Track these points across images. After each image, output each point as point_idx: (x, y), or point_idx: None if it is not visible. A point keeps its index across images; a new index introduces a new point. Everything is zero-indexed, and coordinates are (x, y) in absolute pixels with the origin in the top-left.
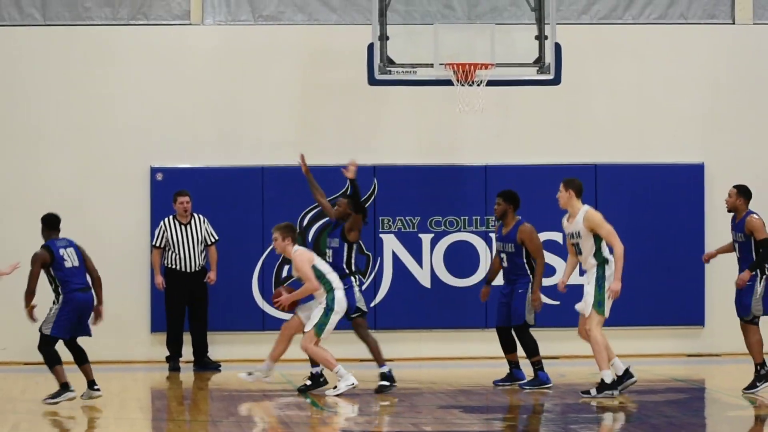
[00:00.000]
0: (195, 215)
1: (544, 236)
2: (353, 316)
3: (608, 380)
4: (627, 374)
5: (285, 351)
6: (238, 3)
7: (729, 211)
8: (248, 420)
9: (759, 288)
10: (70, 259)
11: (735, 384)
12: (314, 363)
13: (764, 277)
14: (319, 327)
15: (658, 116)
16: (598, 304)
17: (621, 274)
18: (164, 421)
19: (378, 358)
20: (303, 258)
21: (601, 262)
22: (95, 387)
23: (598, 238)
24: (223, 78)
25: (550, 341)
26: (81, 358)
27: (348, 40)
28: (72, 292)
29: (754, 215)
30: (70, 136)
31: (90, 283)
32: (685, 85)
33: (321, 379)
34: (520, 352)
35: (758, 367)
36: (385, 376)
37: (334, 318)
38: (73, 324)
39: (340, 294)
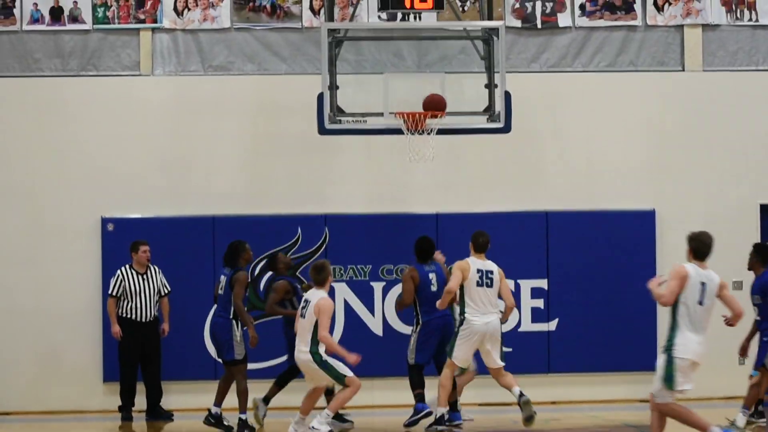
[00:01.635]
0: (150, 265)
1: None
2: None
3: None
4: None
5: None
6: (187, 53)
7: (749, 269)
8: None
9: None
10: None
11: (687, 429)
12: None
13: None
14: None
15: (608, 163)
16: None
17: None
18: None
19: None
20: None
21: None
22: None
23: None
24: (173, 128)
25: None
26: None
27: (298, 89)
28: None
29: None
30: (21, 186)
31: None
32: (636, 132)
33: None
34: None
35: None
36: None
37: None
38: None
39: None
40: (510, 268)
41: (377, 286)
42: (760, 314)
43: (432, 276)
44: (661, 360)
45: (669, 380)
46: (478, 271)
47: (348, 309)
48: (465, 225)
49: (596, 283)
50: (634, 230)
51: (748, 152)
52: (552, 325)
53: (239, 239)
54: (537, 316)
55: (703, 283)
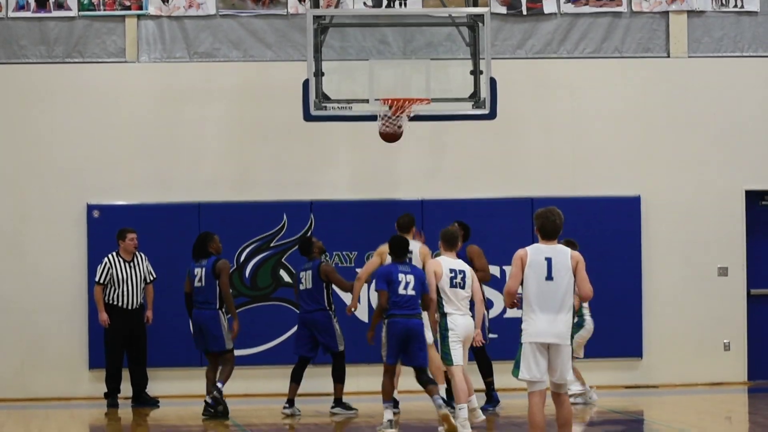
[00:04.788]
0: (136, 252)
1: None
2: None
3: None
4: None
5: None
6: (173, 40)
7: None
8: None
9: None
10: None
11: (673, 415)
12: None
13: None
14: None
15: (593, 149)
16: None
17: None
18: None
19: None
20: None
21: None
22: None
23: None
24: (158, 114)
25: None
26: None
27: (283, 76)
28: None
29: None
30: (7, 174)
31: None
32: (620, 119)
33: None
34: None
35: None
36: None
37: None
38: None
39: None
40: (495, 254)
41: None
42: None
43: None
44: None
45: (515, 367)
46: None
47: (334, 295)
48: (450, 211)
49: None
50: (620, 216)
51: (733, 138)
52: None
53: (207, 231)
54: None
55: (548, 259)
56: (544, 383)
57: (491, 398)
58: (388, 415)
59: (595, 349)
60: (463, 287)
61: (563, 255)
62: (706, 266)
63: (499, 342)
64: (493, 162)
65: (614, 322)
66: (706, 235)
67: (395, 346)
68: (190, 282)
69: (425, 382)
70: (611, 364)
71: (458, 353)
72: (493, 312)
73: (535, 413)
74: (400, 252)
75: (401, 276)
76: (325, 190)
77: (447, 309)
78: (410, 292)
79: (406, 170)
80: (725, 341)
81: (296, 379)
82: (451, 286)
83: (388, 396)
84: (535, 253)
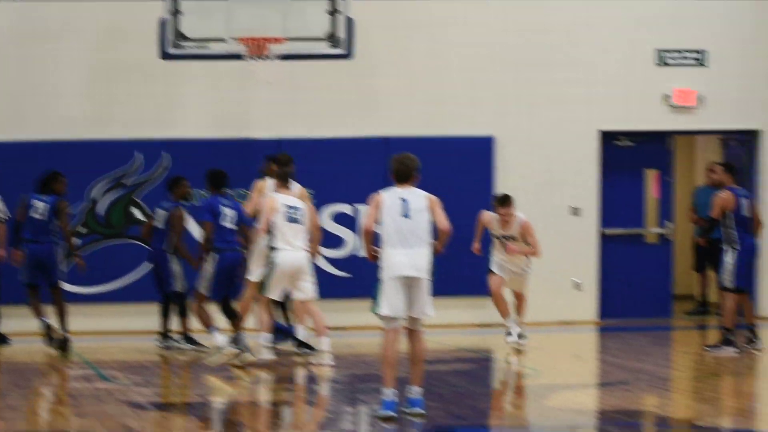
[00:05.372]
0: None
1: (334, 209)
2: None
3: None
4: None
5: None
6: None
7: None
8: (36, 392)
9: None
10: None
11: (523, 354)
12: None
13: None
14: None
15: (449, 89)
16: None
17: None
18: None
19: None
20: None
21: None
22: None
23: None
24: (15, 53)
25: (338, 312)
26: None
27: (140, 15)
28: None
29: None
30: None
31: None
32: (476, 59)
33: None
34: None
35: (725, 331)
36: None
37: None
38: None
39: None
40: (350, 193)
41: None
42: None
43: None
44: None
45: (375, 304)
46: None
47: (188, 238)
48: (307, 150)
49: None
50: (474, 156)
51: (588, 79)
52: None
53: (55, 170)
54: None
55: (403, 199)
56: (401, 321)
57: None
58: (219, 341)
59: (446, 288)
60: (298, 222)
61: (418, 195)
62: (559, 206)
63: (352, 281)
64: (349, 101)
65: (466, 260)
66: (559, 174)
67: (224, 279)
68: (24, 211)
69: (233, 315)
70: (462, 303)
71: (276, 288)
72: (345, 251)
73: (389, 350)
74: (220, 184)
75: (224, 209)
76: (181, 128)
77: (276, 244)
78: (231, 225)
79: (263, 109)
80: (577, 280)
81: (164, 313)
82: (288, 221)
83: (209, 323)
84: (391, 195)
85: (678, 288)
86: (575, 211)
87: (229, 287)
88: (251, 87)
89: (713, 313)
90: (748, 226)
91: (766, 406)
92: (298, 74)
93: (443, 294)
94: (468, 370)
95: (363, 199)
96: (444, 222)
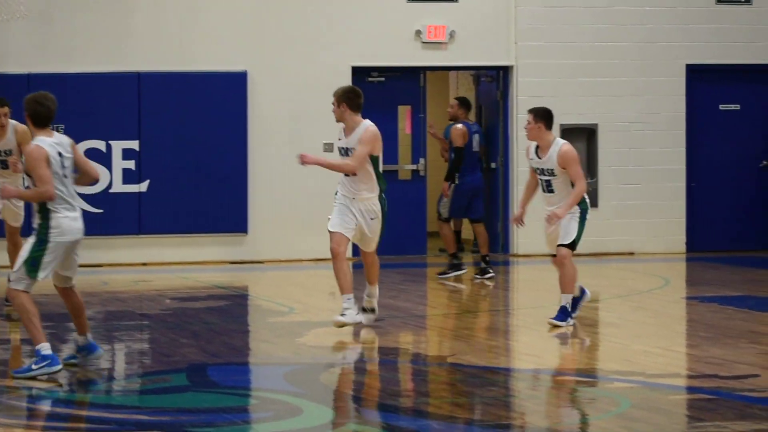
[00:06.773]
0: None
1: (85, 145)
2: None
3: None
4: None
5: None
6: None
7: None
8: None
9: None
10: None
11: (277, 291)
12: None
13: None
14: None
15: (202, 24)
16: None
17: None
18: None
19: None
20: None
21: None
22: None
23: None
24: None
25: (93, 249)
26: None
27: None
28: None
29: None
30: None
31: None
32: None
33: None
34: None
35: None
36: None
37: None
38: None
39: None
40: (102, 129)
41: None
42: None
43: None
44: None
45: (32, 267)
46: (59, 153)
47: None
48: (58, 85)
49: (188, 144)
50: (226, 92)
51: (341, 15)
52: (143, 186)
53: None
54: (128, 177)
55: (60, 153)
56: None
57: None
58: None
59: (200, 225)
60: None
61: (67, 147)
62: (311, 141)
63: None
64: (100, 36)
65: (220, 197)
66: (312, 110)
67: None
68: None
69: None
70: (216, 240)
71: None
72: (97, 188)
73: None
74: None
75: None
76: None
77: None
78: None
79: (13, 44)
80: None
81: None
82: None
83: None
84: (51, 148)
85: (432, 225)
86: (328, 147)
87: None
88: (1, 21)
89: (468, 250)
90: (475, 160)
91: (520, 343)
92: (50, 8)
93: (197, 231)
94: (222, 307)
95: (116, 136)
96: (91, 171)
